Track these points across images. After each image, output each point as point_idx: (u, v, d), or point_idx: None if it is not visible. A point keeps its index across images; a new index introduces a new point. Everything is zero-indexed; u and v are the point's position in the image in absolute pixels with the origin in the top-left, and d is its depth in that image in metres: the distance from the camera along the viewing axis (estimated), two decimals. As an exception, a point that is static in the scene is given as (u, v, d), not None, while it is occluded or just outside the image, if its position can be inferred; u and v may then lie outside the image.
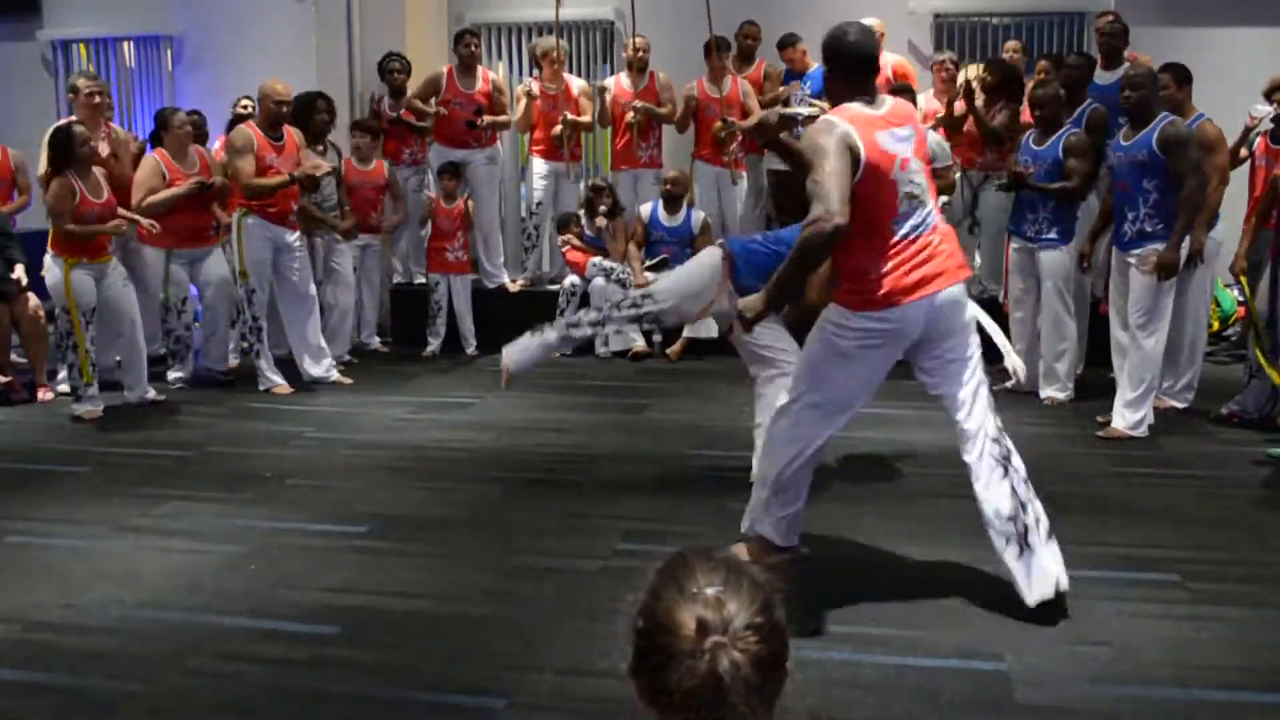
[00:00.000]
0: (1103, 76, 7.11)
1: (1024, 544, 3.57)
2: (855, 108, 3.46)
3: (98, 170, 6.43)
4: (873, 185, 3.40)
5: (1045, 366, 6.51)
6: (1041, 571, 3.56)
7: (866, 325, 3.52)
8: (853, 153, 3.36)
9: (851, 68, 3.53)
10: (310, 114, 7.30)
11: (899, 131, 3.48)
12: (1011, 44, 8.31)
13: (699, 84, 8.25)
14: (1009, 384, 6.71)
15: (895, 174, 3.44)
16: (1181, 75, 6.15)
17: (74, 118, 6.94)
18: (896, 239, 3.48)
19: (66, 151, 6.17)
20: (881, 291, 3.47)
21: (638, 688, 1.40)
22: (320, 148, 7.44)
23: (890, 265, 3.48)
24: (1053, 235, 6.38)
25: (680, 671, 1.34)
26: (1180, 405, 6.28)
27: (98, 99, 7.06)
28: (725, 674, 1.32)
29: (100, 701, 3.16)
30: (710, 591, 1.38)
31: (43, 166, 6.78)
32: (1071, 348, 6.51)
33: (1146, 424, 5.77)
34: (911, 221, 3.50)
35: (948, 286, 3.55)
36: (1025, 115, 7.13)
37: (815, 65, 8.40)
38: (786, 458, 3.74)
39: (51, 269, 6.29)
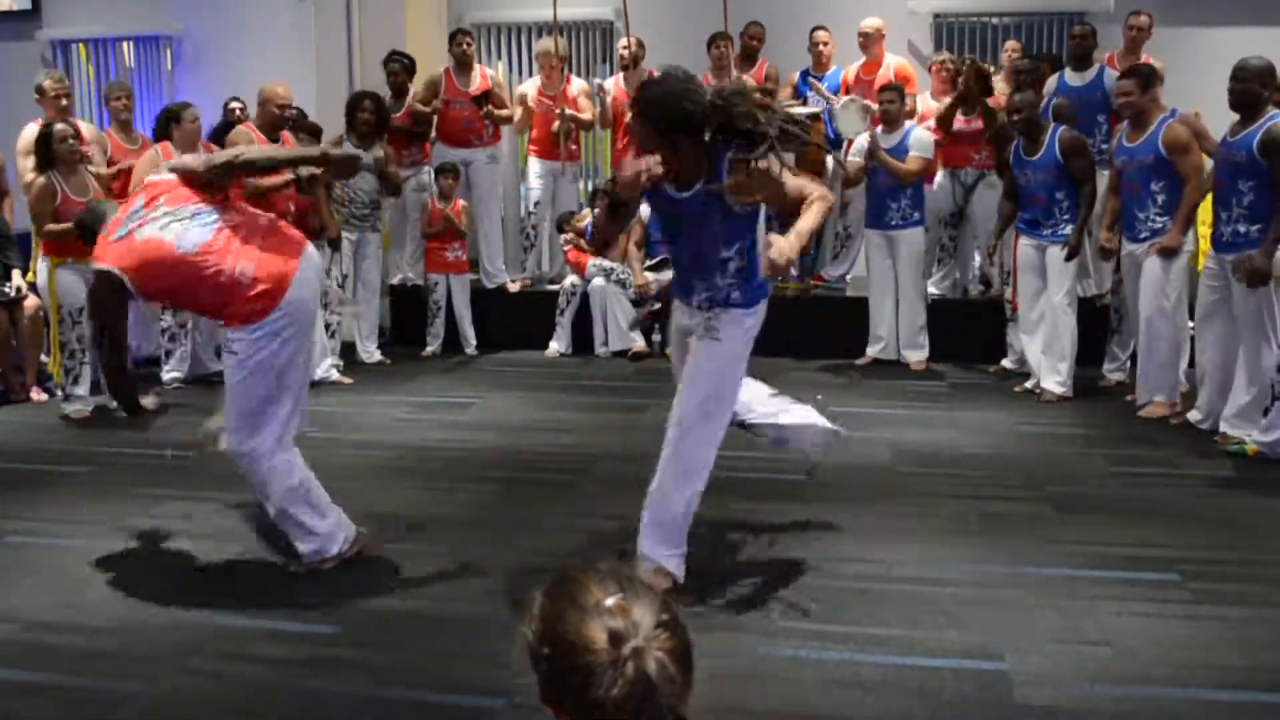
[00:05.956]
0: (1074, 78, 7.24)
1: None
2: None
3: (91, 169, 6.44)
4: None
5: (1049, 361, 6.57)
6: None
7: None
8: None
9: None
10: (354, 113, 7.35)
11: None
12: (1011, 44, 8.30)
13: (704, 79, 8.22)
14: (1029, 384, 6.75)
15: None
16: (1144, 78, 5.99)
17: (41, 120, 6.95)
18: None
19: (47, 151, 6.20)
20: None
21: (557, 712, 1.41)
22: (367, 147, 7.41)
23: None
24: (1066, 231, 6.46)
25: (606, 684, 1.34)
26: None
27: (64, 101, 7.08)
28: (654, 674, 1.35)
29: (100, 701, 3.16)
30: (611, 602, 1.39)
31: (25, 168, 6.77)
32: (1073, 340, 6.53)
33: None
34: None
35: None
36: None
37: (835, 66, 8.36)
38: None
39: (42, 270, 6.33)
